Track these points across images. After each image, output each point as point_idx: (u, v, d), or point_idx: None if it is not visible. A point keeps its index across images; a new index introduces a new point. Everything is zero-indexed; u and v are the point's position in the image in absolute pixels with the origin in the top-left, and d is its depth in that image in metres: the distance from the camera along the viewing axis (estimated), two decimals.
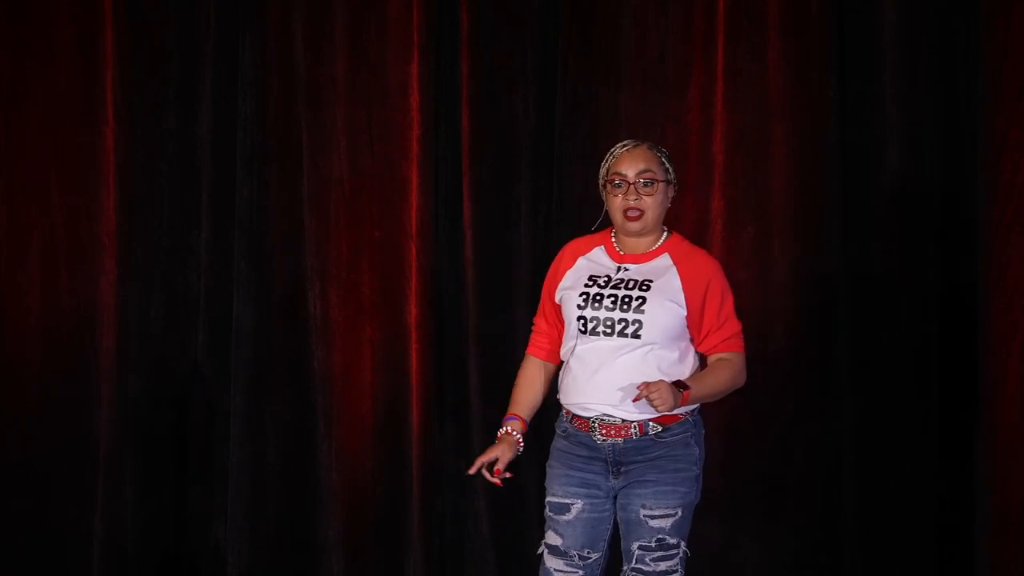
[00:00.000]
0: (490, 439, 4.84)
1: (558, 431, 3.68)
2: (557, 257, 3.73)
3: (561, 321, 3.68)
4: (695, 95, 4.74)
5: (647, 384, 3.46)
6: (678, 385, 3.52)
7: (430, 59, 4.82)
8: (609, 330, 3.54)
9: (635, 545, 3.57)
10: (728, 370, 3.62)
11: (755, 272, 4.72)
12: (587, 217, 4.77)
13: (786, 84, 4.70)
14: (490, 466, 3.65)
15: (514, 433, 3.68)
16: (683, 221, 4.74)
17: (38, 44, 4.88)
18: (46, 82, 4.89)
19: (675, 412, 3.56)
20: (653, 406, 3.48)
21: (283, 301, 4.90)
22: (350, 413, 4.87)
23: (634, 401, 3.50)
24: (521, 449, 3.68)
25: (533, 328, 3.79)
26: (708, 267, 3.63)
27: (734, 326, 3.64)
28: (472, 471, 3.67)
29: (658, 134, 4.73)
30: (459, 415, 4.88)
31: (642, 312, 3.53)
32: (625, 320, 3.53)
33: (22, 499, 4.90)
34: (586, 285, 3.59)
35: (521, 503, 4.87)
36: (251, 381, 4.89)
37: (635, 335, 3.52)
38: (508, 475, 3.65)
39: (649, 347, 3.53)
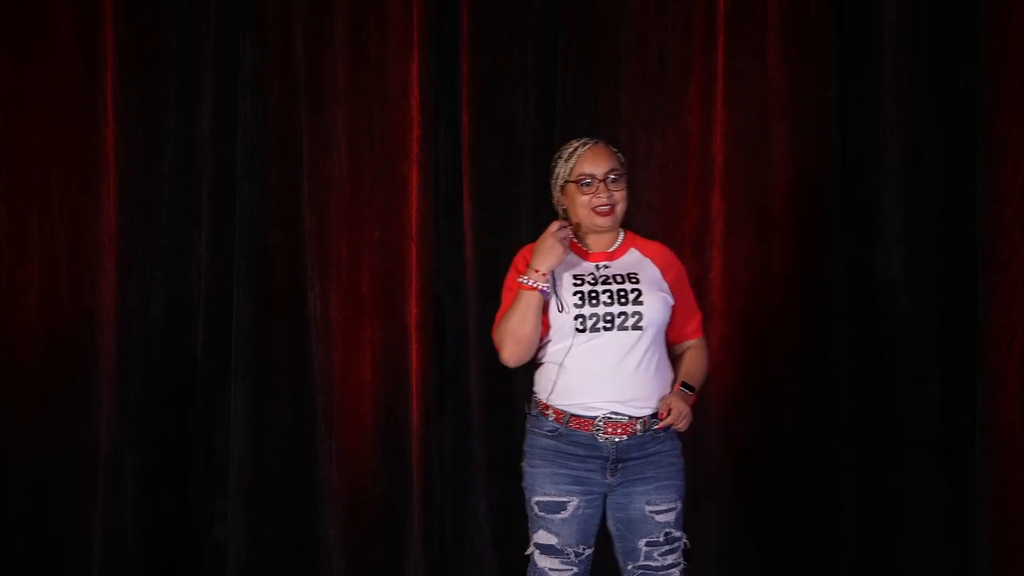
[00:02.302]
0: (490, 439, 4.88)
1: (540, 431, 3.64)
2: (519, 257, 3.69)
3: None
4: (695, 95, 4.75)
5: (668, 411, 3.53)
6: (685, 387, 3.61)
7: (430, 59, 4.82)
8: (609, 324, 3.54)
9: (642, 542, 3.59)
10: (704, 359, 3.73)
11: (755, 272, 4.72)
12: None
13: (786, 84, 4.70)
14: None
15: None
16: (683, 221, 4.75)
17: (38, 44, 4.88)
18: (46, 82, 4.88)
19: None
20: (678, 428, 3.57)
21: (283, 301, 4.90)
22: (350, 413, 4.87)
23: (658, 429, 3.56)
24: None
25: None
26: (673, 255, 3.73)
27: (700, 313, 3.77)
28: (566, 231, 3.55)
29: (658, 134, 4.74)
30: (459, 415, 4.88)
31: (641, 304, 3.55)
32: (625, 313, 3.54)
33: (22, 499, 4.90)
34: (575, 284, 3.59)
35: (521, 503, 4.86)
36: (251, 381, 4.88)
37: (636, 327, 3.54)
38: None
39: (649, 338, 3.56)
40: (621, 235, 3.70)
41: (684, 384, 3.62)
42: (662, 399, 3.58)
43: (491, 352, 4.82)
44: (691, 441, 4.74)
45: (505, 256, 4.82)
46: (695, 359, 3.71)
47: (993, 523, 4.51)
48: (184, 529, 4.96)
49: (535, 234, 4.79)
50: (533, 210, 4.85)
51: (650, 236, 4.70)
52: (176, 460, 4.95)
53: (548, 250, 3.54)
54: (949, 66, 4.66)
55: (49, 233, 4.90)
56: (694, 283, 4.69)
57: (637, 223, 4.73)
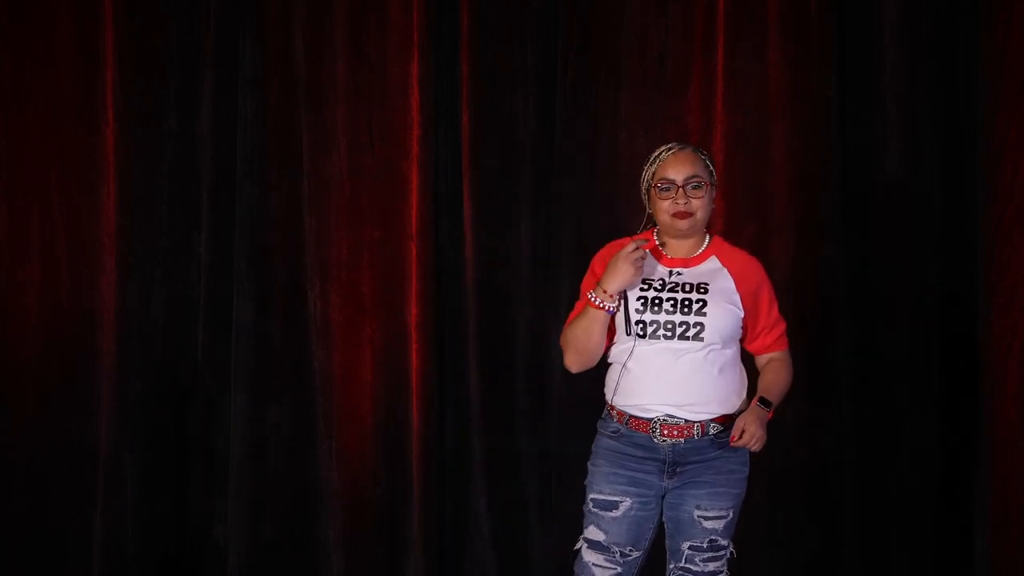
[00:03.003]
0: (490, 439, 4.88)
1: (604, 432, 3.65)
2: (597, 258, 3.68)
3: None
4: (695, 95, 4.75)
5: (743, 431, 3.51)
6: (762, 403, 3.58)
7: (430, 59, 4.82)
8: (670, 333, 3.53)
9: (685, 545, 3.60)
10: (786, 371, 3.70)
11: None
12: (587, 217, 4.80)
13: (786, 84, 4.70)
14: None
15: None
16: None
17: (38, 44, 4.88)
18: (46, 82, 4.88)
19: (729, 413, 3.59)
20: (752, 450, 3.55)
21: (283, 301, 4.90)
22: (350, 413, 4.87)
23: (731, 445, 3.54)
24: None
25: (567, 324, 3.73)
26: (755, 267, 3.68)
27: (783, 324, 3.72)
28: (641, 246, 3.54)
29: (658, 134, 4.73)
30: (459, 415, 4.88)
31: (704, 315, 3.54)
32: (687, 323, 3.53)
33: (22, 499, 4.90)
34: (642, 289, 3.58)
35: (521, 503, 4.87)
36: (251, 381, 4.88)
37: (696, 337, 3.53)
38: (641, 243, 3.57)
39: (709, 348, 3.54)
40: (706, 242, 3.67)
41: (761, 400, 3.60)
42: (733, 415, 3.57)
43: (491, 352, 4.85)
44: None
45: (505, 256, 4.85)
46: (775, 372, 3.68)
47: (993, 523, 4.51)
48: (184, 529, 4.96)
49: (535, 234, 4.84)
50: (533, 210, 4.85)
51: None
52: (176, 460, 4.95)
53: (619, 273, 3.52)
54: (949, 66, 4.66)
55: (49, 233, 4.90)
56: None
57: (637, 224, 4.75)
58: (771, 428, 4.69)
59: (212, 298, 4.94)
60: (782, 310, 4.71)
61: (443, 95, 4.85)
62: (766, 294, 3.66)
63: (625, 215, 4.74)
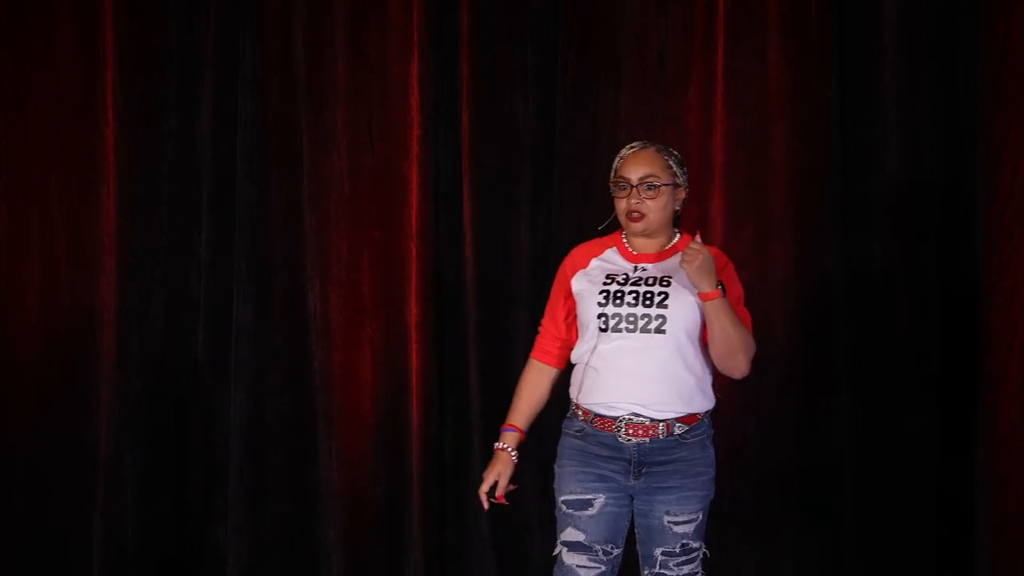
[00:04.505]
0: (490, 439, 4.86)
1: (569, 431, 3.63)
2: (567, 259, 3.69)
3: (570, 324, 3.67)
4: (695, 95, 4.75)
5: (698, 244, 3.44)
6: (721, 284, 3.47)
7: (430, 59, 4.82)
8: (632, 326, 3.51)
9: (658, 551, 3.57)
10: (745, 328, 3.56)
11: (755, 272, 4.71)
12: (587, 217, 4.79)
13: (786, 84, 4.70)
14: (491, 490, 3.65)
15: (508, 449, 3.69)
16: (683, 221, 4.74)
17: (38, 44, 4.88)
18: (46, 82, 4.89)
19: (694, 412, 3.56)
20: (684, 259, 3.44)
21: (283, 301, 4.90)
22: (350, 413, 4.87)
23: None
24: (515, 462, 3.69)
25: (540, 331, 3.76)
26: (718, 261, 3.61)
27: (745, 313, 3.61)
28: (486, 506, 3.68)
29: (658, 134, 4.73)
30: (459, 415, 4.88)
31: (665, 307, 3.51)
32: (648, 315, 3.51)
33: (22, 499, 4.90)
34: (604, 283, 3.57)
35: (521, 503, 4.87)
36: (251, 381, 4.89)
37: (659, 330, 3.51)
38: (512, 488, 3.66)
39: (673, 342, 3.51)
40: (674, 239, 3.66)
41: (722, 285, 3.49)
42: (699, 415, 3.57)
43: (491, 352, 4.86)
44: None
45: (505, 256, 4.86)
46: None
47: (993, 523, 4.51)
48: (184, 529, 4.96)
49: (535, 234, 4.84)
50: (533, 210, 4.86)
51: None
52: (176, 460, 4.96)
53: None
54: (949, 66, 4.66)
55: (49, 233, 4.90)
56: None
57: None
58: (770, 427, 4.71)
59: (212, 298, 4.95)
60: (784, 310, 4.73)
61: (443, 95, 4.85)
62: (724, 279, 3.54)
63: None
